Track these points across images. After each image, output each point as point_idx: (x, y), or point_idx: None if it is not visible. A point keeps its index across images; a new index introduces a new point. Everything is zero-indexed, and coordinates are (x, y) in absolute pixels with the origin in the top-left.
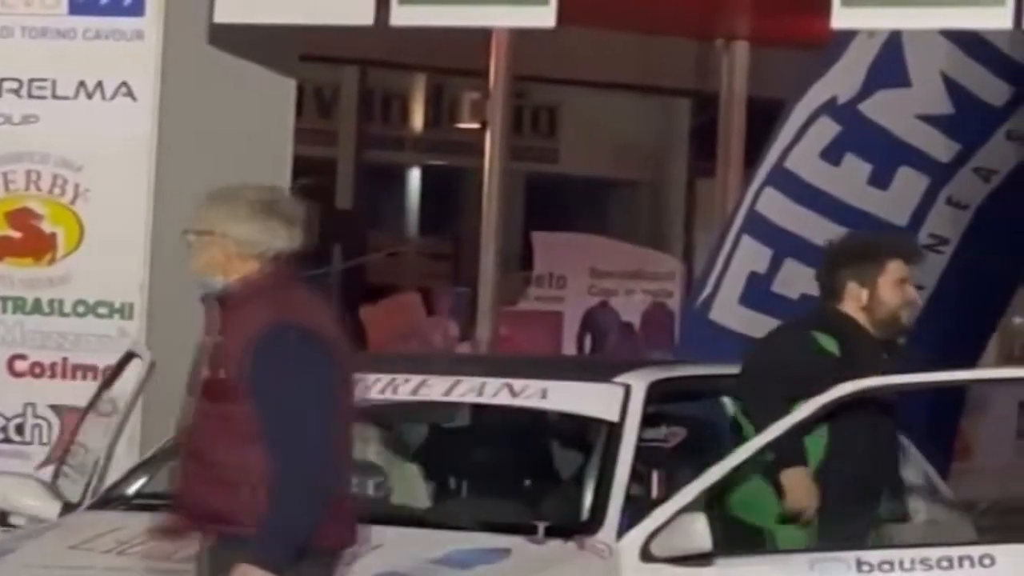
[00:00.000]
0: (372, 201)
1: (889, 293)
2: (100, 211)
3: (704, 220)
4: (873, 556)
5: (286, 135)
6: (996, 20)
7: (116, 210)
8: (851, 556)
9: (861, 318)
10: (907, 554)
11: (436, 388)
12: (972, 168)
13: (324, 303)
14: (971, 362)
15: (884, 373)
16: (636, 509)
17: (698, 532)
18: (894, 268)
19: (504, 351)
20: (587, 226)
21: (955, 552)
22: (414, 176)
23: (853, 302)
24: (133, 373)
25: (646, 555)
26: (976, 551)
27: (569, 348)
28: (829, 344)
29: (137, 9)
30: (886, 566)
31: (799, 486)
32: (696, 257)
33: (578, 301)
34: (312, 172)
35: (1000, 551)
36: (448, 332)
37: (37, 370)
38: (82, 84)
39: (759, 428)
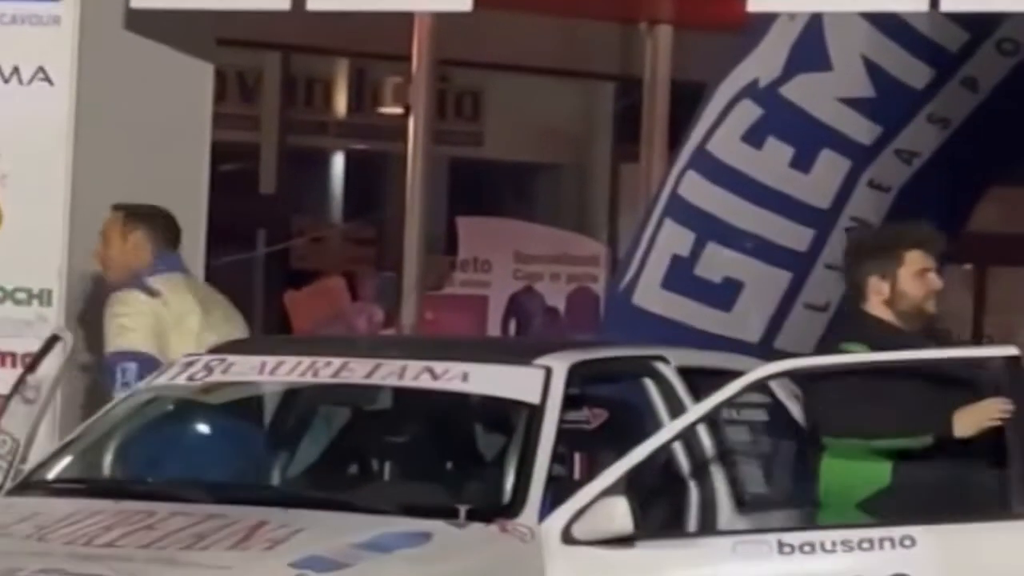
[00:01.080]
0: (295, 186)
1: (910, 285)
2: (18, 197)
3: (628, 204)
4: (794, 538)
5: (205, 120)
6: (914, 2)
7: (34, 196)
8: (772, 538)
9: (887, 314)
10: (829, 535)
11: (357, 371)
12: (894, 150)
13: None
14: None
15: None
16: (558, 492)
17: (619, 515)
18: (913, 258)
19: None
20: (512, 210)
21: (876, 533)
22: (338, 161)
23: (876, 297)
24: (55, 357)
25: (567, 538)
26: (897, 532)
27: (494, 332)
28: (860, 352)
29: None
30: (807, 548)
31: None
32: (620, 241)
33: (503, 285)
34: (235, 157)
35: (920, 531)
36: (373, 317)
37: None
38: None
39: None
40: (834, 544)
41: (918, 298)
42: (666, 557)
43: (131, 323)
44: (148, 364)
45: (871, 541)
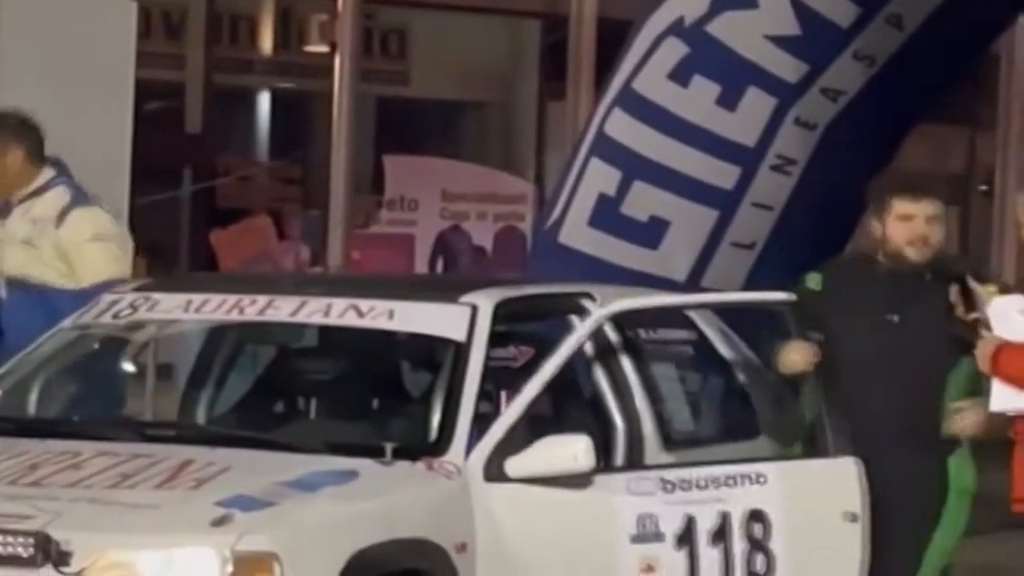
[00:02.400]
0: (221, 124)
1: (893, 229)
2: None
3: (555, 142)
4: (673, 475)
5: (128, 58)
6: None
7: None
8: (656, 475)
9: (879, 254)
10: (702, 473)
11: (283, 309)
12: (820, 88)
13: None
14: None
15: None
16: (484, 429)
17: (582, 453)
18: (897, 205)
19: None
20: (438, 149)
21: (736, 470)
22: (264, 99)
23: (874, 238)
24: None
25: (490, 475)
26: (752, 469)
27: (421, 271)
28: (812, 281)
29: None
30: (685, 484)
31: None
32: (547, 179)
33: (430, 224)
34: (160, 96)
35: (770, 468)
36: (299, 255)
37: None
38: None
39: None
40: (706, 481)
41: (899, 243)
42: (567, 494)
43: (118, 248)
44: None
45: (734, 478)
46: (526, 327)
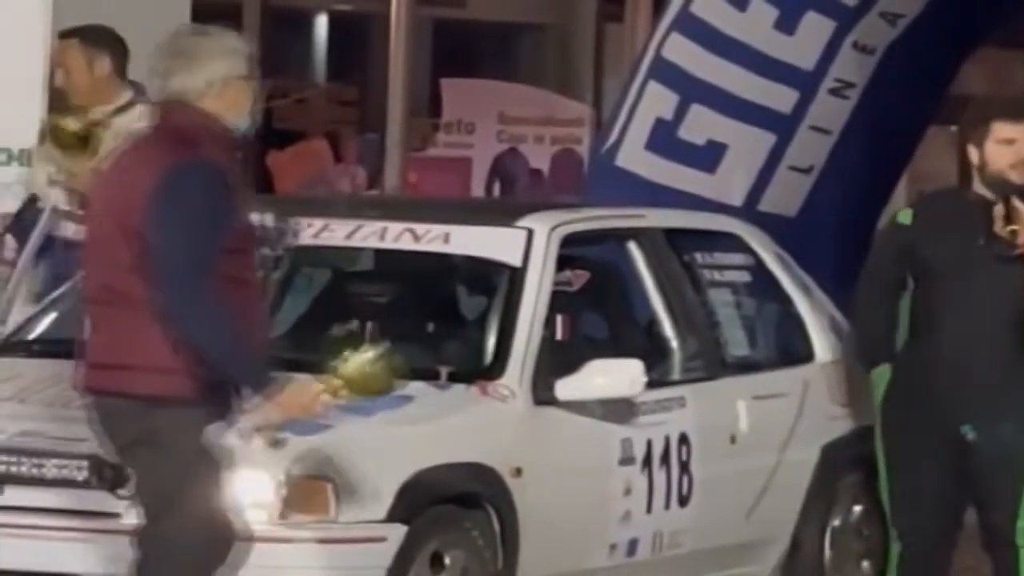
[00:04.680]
0: (278, 47)
1: (993, 153)
2: None
3: (613, 65)
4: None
5: None
6: None
7: (13, 54)
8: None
9: (976, 181)
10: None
11: (338, 232)
12: (878, 12)
13: None
14: (878, 207)
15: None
16: (542, 352)
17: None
18: (997, 128)
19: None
20: (496, 72)
21: (664, 394)
22: (320, 22)
23: (972, 164)
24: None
25: (540, 398)
26: (676, 391)
27: (478, 194)
28: (904, 216)
29: None
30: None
31: None
32: (605, 103)
33: (487, 147)
34: (217, 18)
35: (687, 390)
36: (356, 179)
37: None
38: None
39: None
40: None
41: (1000, 167)
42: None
43: None
44: None
45: (663, 402)
46: (582, 250)
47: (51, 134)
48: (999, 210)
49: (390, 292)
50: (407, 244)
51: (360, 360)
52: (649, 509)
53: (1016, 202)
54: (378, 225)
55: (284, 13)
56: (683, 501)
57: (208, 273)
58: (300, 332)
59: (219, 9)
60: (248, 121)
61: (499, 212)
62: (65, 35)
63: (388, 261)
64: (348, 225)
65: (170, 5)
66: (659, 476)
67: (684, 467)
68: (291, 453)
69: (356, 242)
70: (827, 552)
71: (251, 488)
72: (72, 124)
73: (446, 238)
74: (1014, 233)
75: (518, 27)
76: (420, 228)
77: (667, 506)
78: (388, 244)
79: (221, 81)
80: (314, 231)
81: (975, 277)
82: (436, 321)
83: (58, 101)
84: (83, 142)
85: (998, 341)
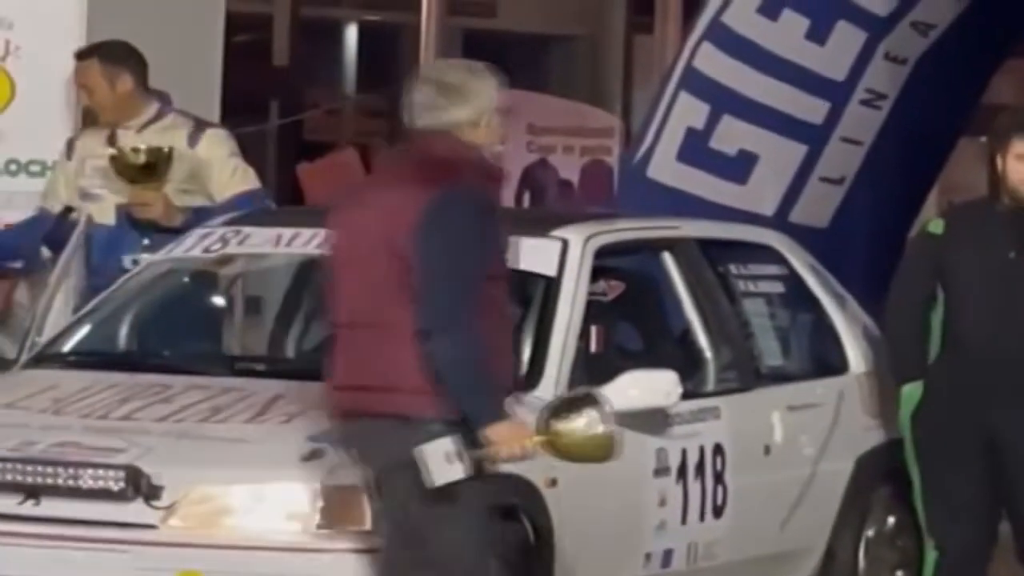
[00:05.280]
0: (309, 57)
1: (1011, 168)
2: (31, 68)
3: (643, 76)
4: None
5: None
6: None
7: (47, 67)
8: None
9: (1001, 193)
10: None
11: None
12: (910, 23)
13: None
14: (910, 218)
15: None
16: (577, 363)
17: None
18: (1016, 144)
19: None
20: (525, 82)
21: (699, 404)
22: (351, 32)
23: (996, 176)
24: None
25: None
26: (710, 402)
27: (508, 205)
28: (935, 227)
29: None
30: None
31: None
32: (635, 113)
33: (517, 157)
34: (249, 29)
35: (722, 401)
36: None
37: None
38: None
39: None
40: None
41: (1015, 182)
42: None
43: (244, 162)
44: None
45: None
46: (617, 261)
47: (114, 167)
48: None
49: None
50: None
51: (582, 432)
52: (684, 520)
53: None
54: None
55: (314, 24)
56: (717, 512)
57: (470, 300)
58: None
59: (251, 20)
60: (501, 150)
61: (534, 222)
62: (83, 55)
63: None
64: None
65: (204, 17)
66: (694, 487)
67: (718, 478)
68: (327, 463)
69: None
70: (861, 563)
71: (288, 499)
72: (133, 157)
73: None
74: None
75: (548, 38)
76: None
77: (702, 517)
78: None
79: (487, 114)
80: None
81: (1006, 290)
82: None
83: (89, 119)
84: (148, 170)
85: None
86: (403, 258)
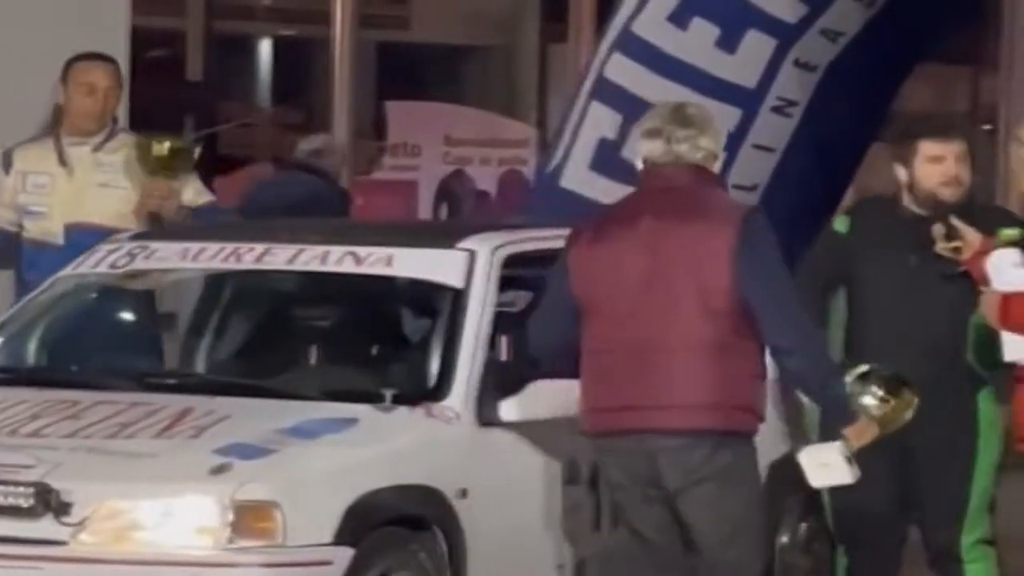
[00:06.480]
0: (223, 72)
1: (923, 172)
2: None
3: (557, 86)
4: None
5: (121, 4)
6: None
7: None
8: None
9: (907, 198)
10: None
11: (280, 256)
12: (819, 30)
13: None
14: (823, 222)
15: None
16: (484, 374)
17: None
18: (924, 147)
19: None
20: (440, 94)
21: None
22: (265, 46)
23: (900, 182)
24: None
25: (485, 419)
26: None
27: (425, 216)
28: (840, 224)
29: None
30: None
31: None
32: (549, 123)
33: (433, 169)
34: (161, 44)
35: None
36: None
37: None
38: None
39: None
40: None
41: (930, 186)
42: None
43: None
44: None
45: None
46: (525, 271)
47: (140, 160)
48: (939, 229)
49: (333, 315)
50: (349, 267)
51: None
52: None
53: (955, 220)
54: (320, 249)
55: (228, 39)
56: None
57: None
58: (243, 357)
59: (164, 35)
60: None
61: (441, 234)
62: (109, 58)
63: (331, 284)
64: (290, 249)
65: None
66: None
67: None
68: (236, 477)
69: (298, 266)
70: (776, 570)
71: (198, 513)
72: (158, 148)
73: (388, 261)
74: (957, 250)
75: (462, 49)
76: (362, 251)
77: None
78: (331, 267)
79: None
80: (256, 255)
81: (907, 297)
82: (380, 344)
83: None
84: (171, 162)
85: (933, 357)
86: (722, 290)
